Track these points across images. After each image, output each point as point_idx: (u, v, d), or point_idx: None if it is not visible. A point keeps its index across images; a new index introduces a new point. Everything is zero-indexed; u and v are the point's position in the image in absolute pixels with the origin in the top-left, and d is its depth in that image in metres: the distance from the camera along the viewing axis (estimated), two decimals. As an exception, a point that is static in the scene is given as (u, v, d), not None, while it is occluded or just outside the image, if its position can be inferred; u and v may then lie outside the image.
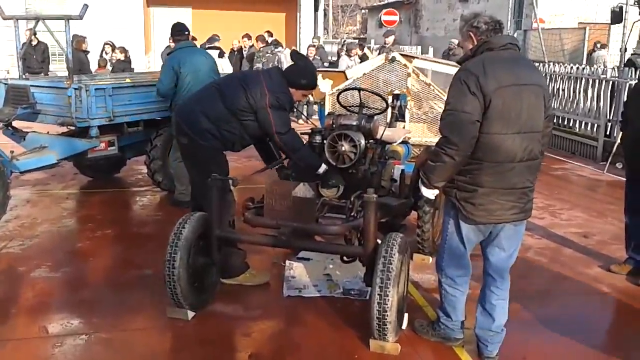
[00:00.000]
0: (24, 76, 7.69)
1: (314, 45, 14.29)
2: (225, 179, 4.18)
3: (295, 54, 4.75)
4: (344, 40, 21.00)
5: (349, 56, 13.69)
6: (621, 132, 5.77)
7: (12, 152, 6.48)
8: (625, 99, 8.21)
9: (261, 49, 13.48)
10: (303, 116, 10.15)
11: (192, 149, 4.53)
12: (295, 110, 4.83)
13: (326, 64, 14.40)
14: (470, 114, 3.17)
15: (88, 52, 12.89)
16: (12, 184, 6.71)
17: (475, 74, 3.19)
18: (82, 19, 6.50)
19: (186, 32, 6.64)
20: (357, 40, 22.69)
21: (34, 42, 12.35)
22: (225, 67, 8.22)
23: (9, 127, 6.88)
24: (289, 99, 4.44)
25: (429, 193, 3.49)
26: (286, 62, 14.08)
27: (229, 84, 4.60)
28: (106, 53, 13.22)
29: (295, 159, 4.49)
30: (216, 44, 10.49)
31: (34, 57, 12.60)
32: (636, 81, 7.84)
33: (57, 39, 7.00)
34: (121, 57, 12.78)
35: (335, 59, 15.20)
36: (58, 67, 14.72)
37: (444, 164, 3.27)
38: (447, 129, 3.26)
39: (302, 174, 4.46)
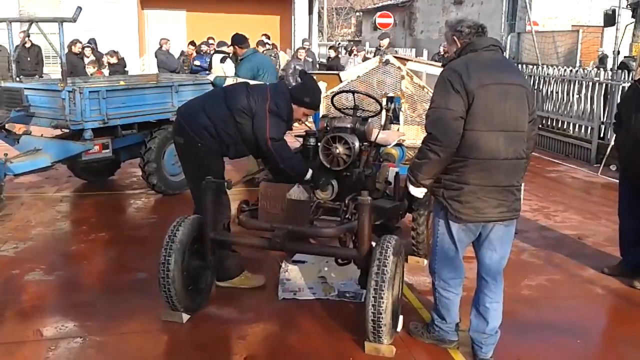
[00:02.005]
0: (17, 79, 7.68)
1: (304, 48, 14.54)
2: (219, 181, 4.17)
3: (303, 74, 4.77)
4: (338, 43, 21.17)
5: (350, 54, 14.11)
6: (615, 135, 5.79)
7: (5, 154, 6.46)
8: (618, 101, 8.24)
9: (264, 52, 13.75)
10: None
11: (188, 149, 4.51)
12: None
13: (317, 66, 14.60)
14: (453, 110, 3.23)
15: (80, 55, 12.85)
16: (6, 187, 6.70)
17: (459, 72, 3.26)
18: (75, 21, 6.50)
19: (246, 40, 7.76)
20: (352, 43, 22.94)
21: (28, 45, 12.33)
22: (228, 71, 8.34)
23: (3, 130, 6.86)
24: (289, 110, 4.44)
25: (417, 192, 3.51)
26: (281, 64, 14.32)
27: (235, 87, 4.71)
28: (87, 57, 13.16)
29: (284, 167, 4.43)
30: (224, 48, 10.70)
31: (27, 60, 12.57)
32: (629, 83, 7.89)
33: (51, 41, 6.99)
34: (114, 60, 12.74)
35: (325, 61, 15.54)
36: (52, 70, 14.68)
37: (429, 160, 3.32)
38: (431, 125, 3.32)
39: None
